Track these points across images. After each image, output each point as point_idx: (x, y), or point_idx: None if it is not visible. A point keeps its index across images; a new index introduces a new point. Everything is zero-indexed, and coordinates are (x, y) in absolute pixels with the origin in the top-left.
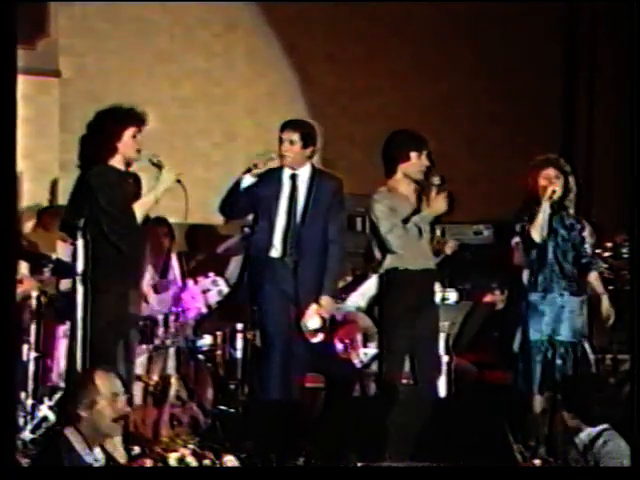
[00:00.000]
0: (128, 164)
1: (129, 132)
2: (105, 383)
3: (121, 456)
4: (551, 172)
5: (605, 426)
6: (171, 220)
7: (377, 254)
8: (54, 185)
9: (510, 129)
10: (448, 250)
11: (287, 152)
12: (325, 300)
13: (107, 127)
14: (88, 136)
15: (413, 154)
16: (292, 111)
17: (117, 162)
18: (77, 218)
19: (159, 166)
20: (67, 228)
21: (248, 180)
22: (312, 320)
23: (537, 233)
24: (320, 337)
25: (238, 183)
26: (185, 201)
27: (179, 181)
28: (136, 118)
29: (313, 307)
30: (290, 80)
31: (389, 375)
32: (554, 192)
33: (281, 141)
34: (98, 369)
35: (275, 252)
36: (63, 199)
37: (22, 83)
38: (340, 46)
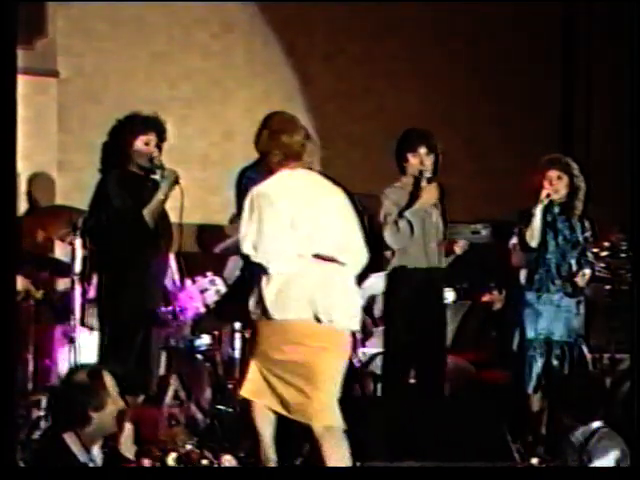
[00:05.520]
0: (148, 170)
1: (140, 140)
2: (111, 383)
3: (131, 453)
4: (552, 173)
5: (600, 424)
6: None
7: (386, 253)
8: (52, 185)
9: (509, 129)
10: (458, 250)
11: None
12: None
13: (120, 134)
14: (106, 142)
15: (409, 155)
16: (290, 111)
17: (134, 168)
18: (95, 222)
19: (160, 167)
20: (85, 231)
21: None
22: None
23: (531, 238)
24: None
25: None
26: (180, 201)
27: (177, 182)
28: (149, 126)
29: None
30: (288, 80)
31: (393, 374)
32: (548, 195)
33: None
34: (104, 370)
35: None
36: (61, 199)
37: (20, 83)
38: (338, 46)
